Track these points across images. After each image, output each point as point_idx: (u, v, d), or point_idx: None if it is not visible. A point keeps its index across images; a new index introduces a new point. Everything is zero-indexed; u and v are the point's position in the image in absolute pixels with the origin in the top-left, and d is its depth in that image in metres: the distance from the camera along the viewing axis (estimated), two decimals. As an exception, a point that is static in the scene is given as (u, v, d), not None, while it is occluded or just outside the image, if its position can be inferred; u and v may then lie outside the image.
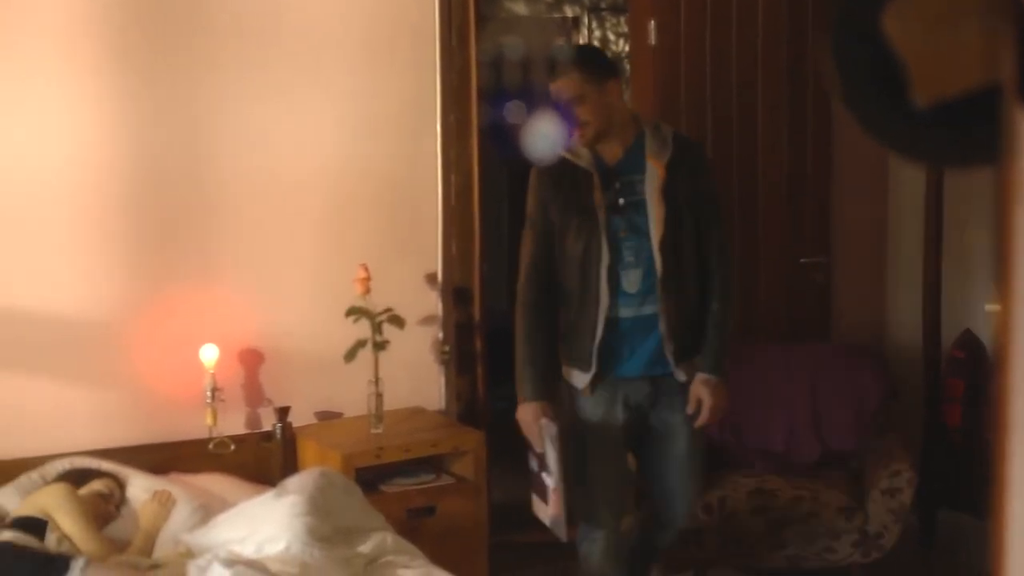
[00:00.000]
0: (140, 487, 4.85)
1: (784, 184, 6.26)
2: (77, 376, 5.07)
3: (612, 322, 4.56)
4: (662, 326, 4.56)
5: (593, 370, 4.59)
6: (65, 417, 5.04)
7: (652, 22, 6.03)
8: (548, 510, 4.61)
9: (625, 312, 4.56)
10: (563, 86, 4.51)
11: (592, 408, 4.65)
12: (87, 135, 5.03)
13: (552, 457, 4.53)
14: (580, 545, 4.79)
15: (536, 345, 4.63)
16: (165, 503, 4.76)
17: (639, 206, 4.53)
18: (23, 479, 4.82)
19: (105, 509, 4.72)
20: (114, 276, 5.11)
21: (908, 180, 6.39)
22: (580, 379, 4.64)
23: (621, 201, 4.53)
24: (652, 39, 6.03)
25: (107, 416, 5.11)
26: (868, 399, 5.88)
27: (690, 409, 4.63)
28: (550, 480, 4.55)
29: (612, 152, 4.60)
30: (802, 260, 6.31)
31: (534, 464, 4.65)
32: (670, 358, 4.60)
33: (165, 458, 5.10)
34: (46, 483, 4.76)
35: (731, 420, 5.71)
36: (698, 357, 4.63)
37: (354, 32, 5.45)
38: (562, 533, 4.59)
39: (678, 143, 4.61)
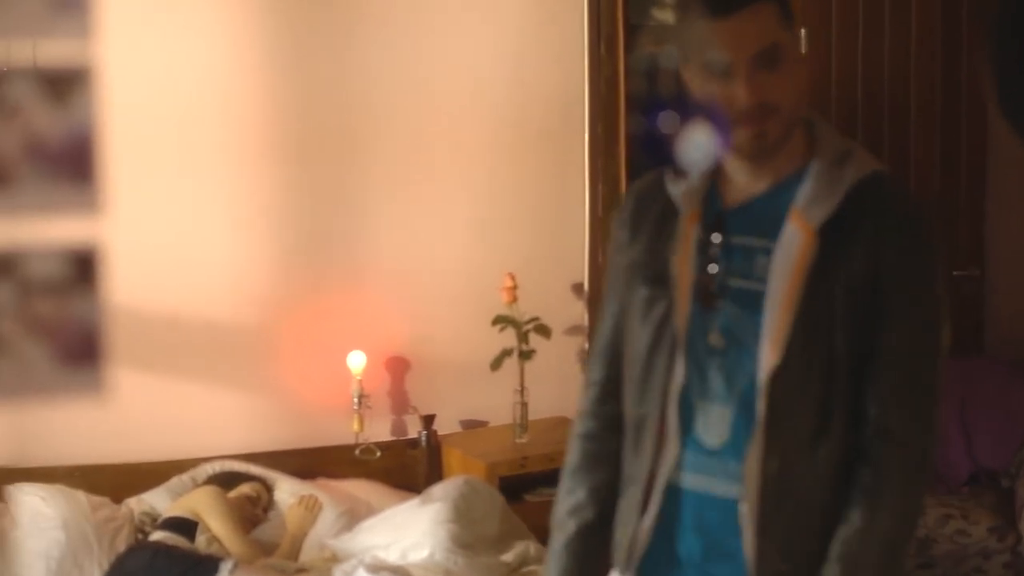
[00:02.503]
0: (287, 491, 4.90)
1: (937, 195, 6.15)
2: (228, 381, 5.13)
3: (671, 492, 2.50)
4: (747, 527, 2.41)
5: (632, 570, 2.57)
6: (216, 421, 5.11)
7: (803, 31, 5.95)
8: None
9: (692, 479, 2.49)
10: (744, 27, 2.34)
11: None
12: (243, 132, 5.11)
13: None
14: None
15: (576, 494, 2.68)
16: (312, 508, 4.80)
17: (752, 299, 2.42)
18: (174, 481, 4.89)
19: (253, 512, 4.77)
20: (265, 282, 5.17)
21: (1066, 191, 6.24)
22: None
23: (715, 283, 2.45)
24: (802, 47, 5.94)
25: (256, 421, 5.17)
26: (1021, 415, 5.75)
27: None
28: None
29: (745, 183, 2.49)
30: (954, 272, 6.18)
31: None
32: None
33: (312, 463, 5.14)
34: (196, 485, 4.83)
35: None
36: None
37: (501, 40, 5.46)
38: None
39: (862, 191, 2.41)
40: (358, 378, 5.13)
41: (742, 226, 2.46)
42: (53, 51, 1.17)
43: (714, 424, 2.45)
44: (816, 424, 2.38)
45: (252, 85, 5.12)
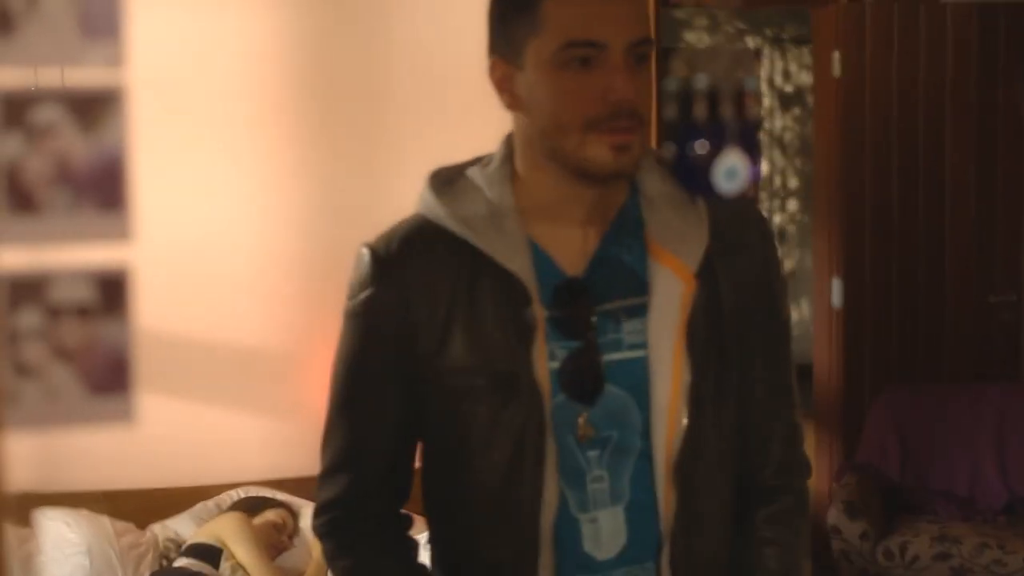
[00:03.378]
0: (314, 518, 4.85)
1: (972, 220, 6.10)
2: (253, 406, 5.10)
3: None
4: None
5: None
6: (242, 446, 5.08)
7: (836, 53, 5.92)
8: None
9: None
10: (623, 6, 1.82)
11: None
12: (270, 159, 5.09)
13: None
14: None
15: None
16: (338, 535, 4.76)
17: (628, 372, 1.93)
18: (199, 507, 4.87)
19: (278, 539, 4.74)
20: (289, 305, 5.14)
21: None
22: None
23: (592, 372, 1.92)
24: (836, 71, 5.92)
25: (282, 446, 5.13)
26: (1059, 443, 5.69)
27: None
28: None
29: (577, 238, 1.95)
30: (991, 298, 6.13)
31: None
32: None
33: (339, 489, 5.10)
34: (221, 511, 4.80)
35: (913, 462, 5.57)
36: None
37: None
38: None
39: (716, 210, 1.99)
40: (385, 403, 5.08)
41: (599, 291, 1.92)
42: (83, 75, 1.13)
43: (607, 532, 1.93)
44: (726, 482, 2.00)
45: (279, 107, 5.10)
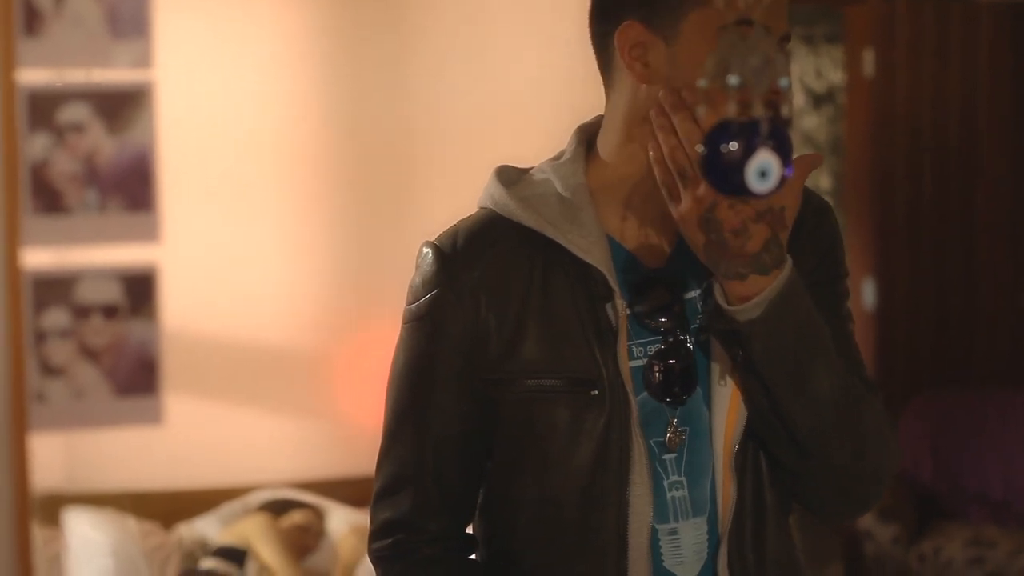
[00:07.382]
0: (341, 520, 4.84)
1: (1006, 222, 6.06)
2: (281, 407, 5.10)
3: None
4: None
5: None
6: (268, 448, 5.08)
7: (868, 52, 5.88)
8: None
9: None
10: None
11: None
12: (298, 157, 5.09)
13: None
14: None
15: None
16: (365, 538, 4.73)
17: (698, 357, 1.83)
18: (225, 508, 4.86)
19: (304, 541, 4.73)
20: (318, 307, 5.14)
21: None
22: None
23: (671, 364, 1.79)
24: (868, 70, 5.87)
25: (309, 448, 5.13)
26: (1094, 446, 5.64)
27: None
28: None
29: (654, 230, 1.82)
30: (1023, 301, 6.09)
31: None
32: None
33: (367, 492, 5.05)
34: (247, 513, 4.79)
35: (946, 466, 5.54)
36: None
37: (559, 67, 5.39)
38: None
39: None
40: (413, 404, 5.06)
41: (680, 283, 1.80)
42: (112, 76, 1.11)
43: (689, 546, 1.80)
44: (780, 507, 1.85)
45: (307, 110, 5.10)
